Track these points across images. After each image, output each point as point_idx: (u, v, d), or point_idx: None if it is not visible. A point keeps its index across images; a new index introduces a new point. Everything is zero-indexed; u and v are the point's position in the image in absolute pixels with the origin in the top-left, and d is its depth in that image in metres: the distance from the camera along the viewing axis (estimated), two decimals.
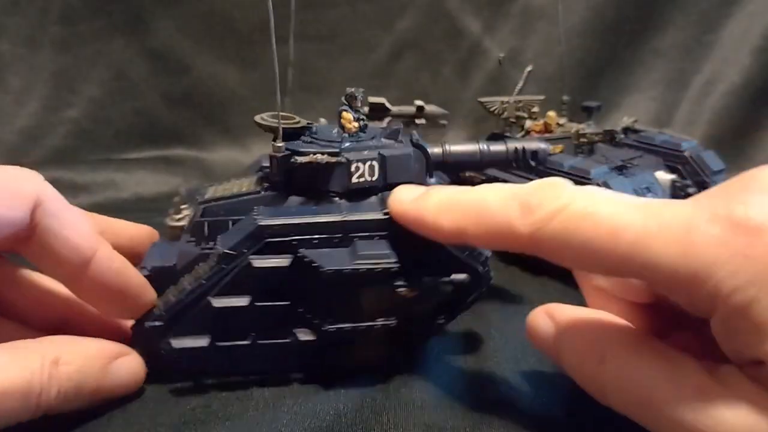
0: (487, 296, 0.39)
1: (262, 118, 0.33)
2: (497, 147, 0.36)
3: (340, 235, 0.30)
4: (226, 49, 0.75)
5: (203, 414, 0.29)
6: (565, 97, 0.55)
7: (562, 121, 0.54)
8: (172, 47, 0.75)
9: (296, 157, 0.31)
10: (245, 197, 0.33)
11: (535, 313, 0.30)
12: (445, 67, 0.79)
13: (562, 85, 0.56)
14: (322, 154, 0.31)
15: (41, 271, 0.30)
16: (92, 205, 0.63)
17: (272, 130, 0.32)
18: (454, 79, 0.79)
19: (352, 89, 0.33)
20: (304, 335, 0.31)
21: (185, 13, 0.74)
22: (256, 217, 0.29)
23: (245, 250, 0.29)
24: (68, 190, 0.67)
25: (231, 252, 0.29)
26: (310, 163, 0.31)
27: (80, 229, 0.28)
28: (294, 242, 0.29)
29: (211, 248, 0.31)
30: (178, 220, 0.33)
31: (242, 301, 0.30)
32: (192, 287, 0.30)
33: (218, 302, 0.29)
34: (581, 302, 0.31)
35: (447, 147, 0.35)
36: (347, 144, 0.33)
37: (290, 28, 0.36)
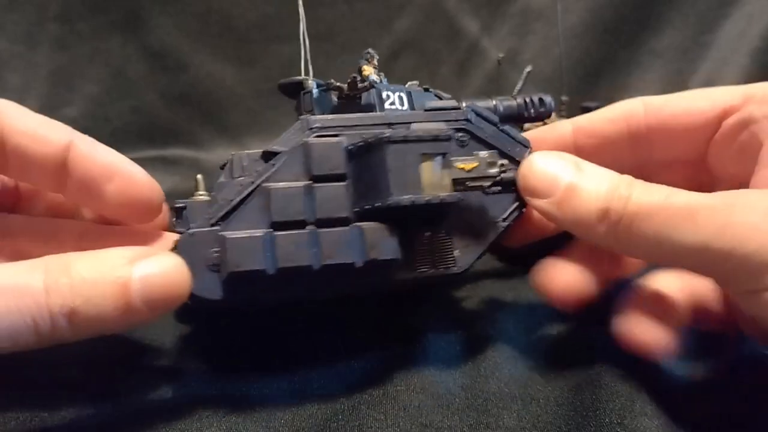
0: (486, 296, 0.39)
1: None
2: (508, 102, 0.40)
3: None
4: (224, 48, 0.75)
5: (202, 412, 0.29)
6: (564, 98, 0.56)
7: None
8: (170, 45, 0.74)
9: (331, 81, 0.32)
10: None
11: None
12: (443, 67, 0.79)
13: (560, 85, 0.56)
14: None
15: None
16: None
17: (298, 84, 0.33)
18: (452, 79, 0.79)
19: (370, 50, 0.34)
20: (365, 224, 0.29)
21: (183, 12, 0.74)
22: (300, 118, 0.30)
23: (294, 143, 0.29)
24: None
25: (279, 149, 0.29)
26: (340, 88, 0.32)
27: (45, 122, 0.27)
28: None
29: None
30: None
31: (299, 185, 0.29)
32: (242, 185, 0.29)
33: (274, 186, 0.28)
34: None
35: (463, 105, 0.36)
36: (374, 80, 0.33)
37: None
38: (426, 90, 0.38)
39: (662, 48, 0.79)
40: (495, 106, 0.40)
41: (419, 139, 0.28)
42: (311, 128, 0.30)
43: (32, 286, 0.23)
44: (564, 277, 0.30)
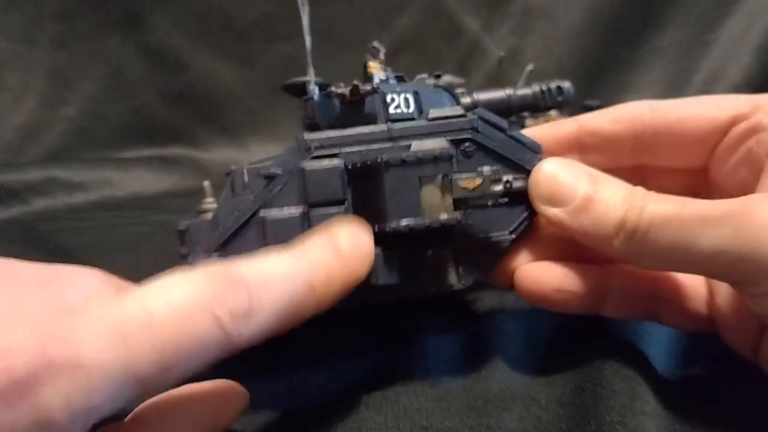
0: (486, 297, 0.39)
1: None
2: (524, 90, 0.38)
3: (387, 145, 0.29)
4: (223, 47, 0.75)
5: None
6: None
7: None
8: (170, 45, 0.74)
9: (332, 88, 0.31)
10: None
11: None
12: (443, 66, 0.79)
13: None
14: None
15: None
16: (89, 203, 0.63)
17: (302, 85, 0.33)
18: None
19: (375, 43, 0.34)
20: None
21: (182, 10, 0.74)
22: (298, 138, 0.29)
23: (291, 166, 0.28)
24: (65, 188, 0.67)
25: (276, 173, 0.28)
26: (342, 95, 0.31)
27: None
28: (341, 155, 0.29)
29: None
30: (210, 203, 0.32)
31: (295, 211, 0.28)
32: (239, 210, 0.28)
33: (269, 214, 0.28)
34: None
35: (475, 95, 0.35)
36: (379, 81, 0.33)
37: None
38: (437, 77, 0.37)
39: (664, 47, 0.79)
40: (509, 96, 0.39)
41: (419, 162, 0.28)
42: (308, 149, 0.29)
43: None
44: (547, 278, 0.30)
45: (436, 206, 0.28)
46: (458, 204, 0.29)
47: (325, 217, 0.28)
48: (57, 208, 0.65)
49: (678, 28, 0.78)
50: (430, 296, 0.31)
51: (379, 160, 0.28)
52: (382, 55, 0.34)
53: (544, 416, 0.29)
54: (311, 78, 0.32)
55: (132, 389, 0.18)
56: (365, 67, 0.34)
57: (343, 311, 0.35)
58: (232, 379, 0.31)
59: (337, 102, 0.32)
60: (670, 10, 0.78)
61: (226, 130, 0.77)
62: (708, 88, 0.77)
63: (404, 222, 0.28)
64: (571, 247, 0.30)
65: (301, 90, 0.32)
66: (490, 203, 0.30)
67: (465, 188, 0.29)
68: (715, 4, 0.77)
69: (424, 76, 0.34)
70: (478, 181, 0.29)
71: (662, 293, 0.31)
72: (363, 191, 0.29)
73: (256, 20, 0.73)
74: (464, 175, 0.29)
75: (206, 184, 0.33)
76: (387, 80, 0.34)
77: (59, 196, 0.66)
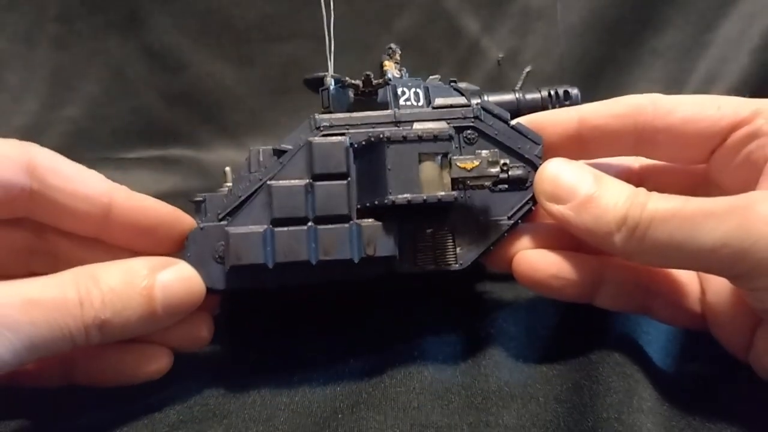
0: (486, 295, 0.39)
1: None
2: (532, 95, 0.40)
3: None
4: (224, 48, 0.75)
5: (200, 412, 0.29)
6: None
7: None
8: (170, 45, 0.74)
9: (347, 78, 0.33)
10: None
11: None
12: (443, 67, 0.79)
13: (561, 84, 0.56)
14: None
15: (64, 230, 0.29)
16: None
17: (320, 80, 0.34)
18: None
19: (392, 45, 0.36)
20: (364, 221, 0.30)
21: (183, 11, 0.73)
22: (310, 117, 0.31)
23: (301, 142, 0.30)
24: None
25: (286, 148, 0.30)
26: (356, 85, 0.33)
27: (87, 180, 0.28)
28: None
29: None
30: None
31: (300, 182, 0.30)
32: (251, 181, 0.30)
33: (276, 184, 0.29)
34: (582, 304, 0.31)
35: (484, 98, 0.37)
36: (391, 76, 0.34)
37: None
38: (453, 81, 0.38)
39: (663, 47, 0.79)
40: (517, 99, 0.39)
41: (419, 139, 0.29)
42: (318, 127, 0.30)
43: (67, 299, 0.24)
44: (544, 264, 0.31)
45: (434, 183, 0.29)
46: (456, 183, 0.30)
47: (328, 190, 0.29)
48: None
49: (677, 28, 0.78)
50: (428, 273, 0.31)
51: (381, 136, 0.29)
52: (397, 56, 0.36)
53: (542, 413, 0.29)
54: (330, 70, 0.34)
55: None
56: (381, 66, 0.35)
57: (342, 311, 0.36)
58: (232, 378, 0.31)
59: (351, 93, 0.33)
60: (669, 10, 0.78)
61: (227, 130, 0.77)
62: (706, 88, 0.77)
63: (403, 196, 0.29)
64: (569, 236, 0.30)
65: (319, 84, 0.34)
66: (488, 185, 0.30)
67: (463, 168, 0.30)
68: (714, 5, 0.77)
69: (437, 76, 0.36)
70: (476, 162, 0.30)
71: (656, 287, 0.31)
72: (366, 167, 0.30)
73: (257, 21, 0.73)
74: (463, 156, 0.30)
75: (227, 169, 0.34)
76: (401, 77, 0.35)
77: None
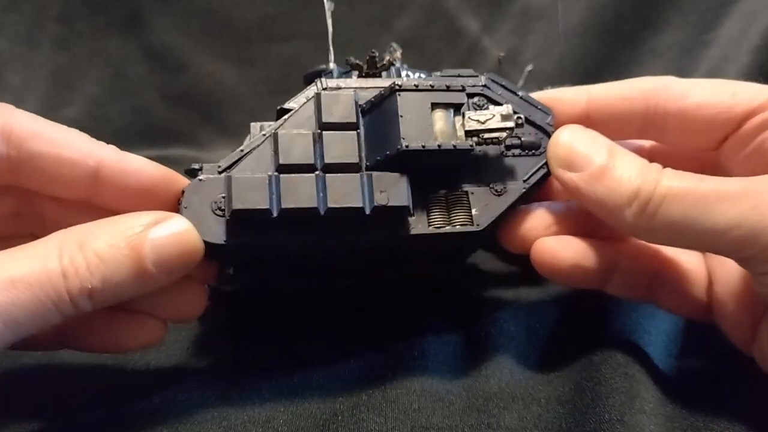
0: (486, 296, 0.39)
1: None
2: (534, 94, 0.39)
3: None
4: (224, 48, 0.75)
5: (200, 413, 0.29)
6: None
7: None
8: (170, 45, 0.74)
9: (350, 57, 0.33)
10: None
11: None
12: (443, 66, 0.79)
13: (561, 84, 0.56)
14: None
15: (52, 196, 0.28)
16: None
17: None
18: None
19: (394, 44, 0.37)
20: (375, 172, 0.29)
21: (183, 12, 0.74)
22: (317, 80, 0.30)
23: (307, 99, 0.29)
24: None
25: (291, 105, 0.29)
26: (359, 65, 0.33)
27: (72, 143, 0.27)
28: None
29: None
30: None
31: (307, 131, 0.29)
32: (253, 139, 0.29)
33: (282, 131, 0.28)
34: (582, 301, 0.31)
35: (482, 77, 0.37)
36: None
37: None
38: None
39: (663, 47, 0.79)
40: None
41: (431, 88, 0.28)
42: (325, 88, 0.30)
43: (49, 272, 0.23)
44: (566, 253, 0.30)
45: (448, 133, 0.29)
46: (470, 136, 0.29)
47: (338, 138, 0.28)
48: None
49: (677, 28, 0.78)
50: (445, 235, 0.30)
51: (393, 85, 0.28)
52: (398, 54, 0.36)
53: (544, 414, 0.29)
54: (331, 60, 0.33)
55: None
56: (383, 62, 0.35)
57: (342, 312, 0.35)
58: (232, 379, 0.31)
59: (355, 76, 0.33)
60: (669, 10, 0.78)
61: (227, 130, 0.77)
62: None
63: (417, 143, 0.28)
64: (583, 220, 0.30)
65: (320, 76, 0.34)
66: (504, 137, 0.30)
67: (477, 120, 0.29)
68: (714, 5, 0.77)
69: (438, 73, 0.36)
70: (490, 115, 0.29)
71: (664, 275, 0.31)
72: (377, 121, 0.29)
73: (257, 21, 0.73)
74: (476, 111, 0.30)
75: (254, 124, 0.34)
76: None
77: None
